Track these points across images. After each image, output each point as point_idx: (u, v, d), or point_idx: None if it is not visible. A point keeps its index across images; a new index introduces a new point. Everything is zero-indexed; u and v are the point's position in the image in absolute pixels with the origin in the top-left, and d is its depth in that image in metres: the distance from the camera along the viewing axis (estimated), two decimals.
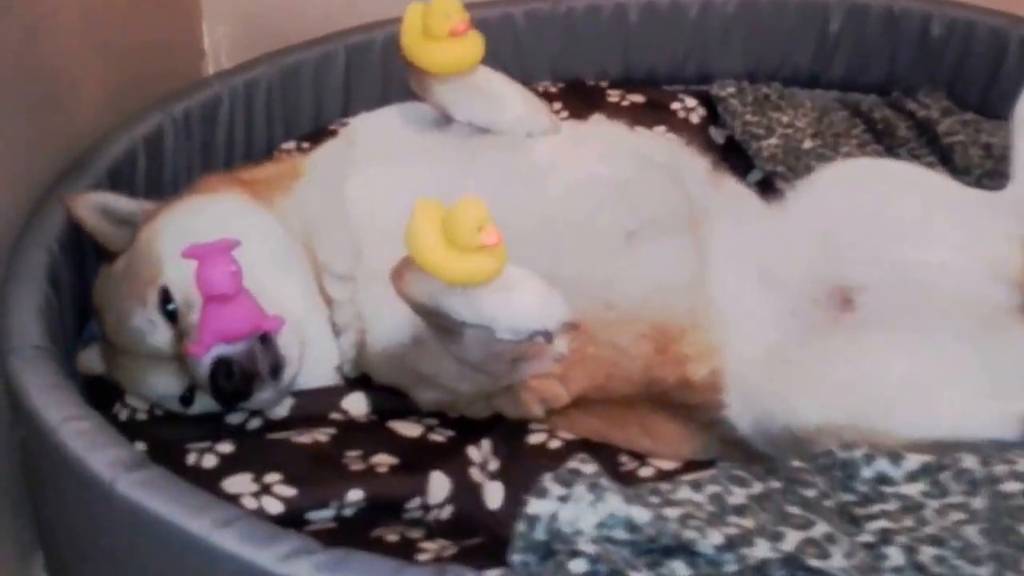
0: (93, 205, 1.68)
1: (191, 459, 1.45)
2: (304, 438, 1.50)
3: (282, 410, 1.56)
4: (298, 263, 1.64)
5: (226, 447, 1.47)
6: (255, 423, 1.54)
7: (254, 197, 1.70)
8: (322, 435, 1.51)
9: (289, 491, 1.38)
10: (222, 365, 1.44)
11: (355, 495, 1.39)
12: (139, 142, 1.88)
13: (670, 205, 1.66)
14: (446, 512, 1.43)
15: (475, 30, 1.65)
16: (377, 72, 2.24)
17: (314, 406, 1.58)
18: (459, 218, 1.26)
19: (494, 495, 1.45)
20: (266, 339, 1.48)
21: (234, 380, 1.44)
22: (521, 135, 1.69)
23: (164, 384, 1.57)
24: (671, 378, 1.59)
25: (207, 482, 1.36)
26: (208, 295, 1.44)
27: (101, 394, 1.61)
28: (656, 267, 1.61)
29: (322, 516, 1.38)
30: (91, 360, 1.66)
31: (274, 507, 1.36)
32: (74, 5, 1.84)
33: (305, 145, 2.14)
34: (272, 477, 1.40)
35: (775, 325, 1.62)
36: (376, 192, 1.64)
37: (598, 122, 1.83)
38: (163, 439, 1.50)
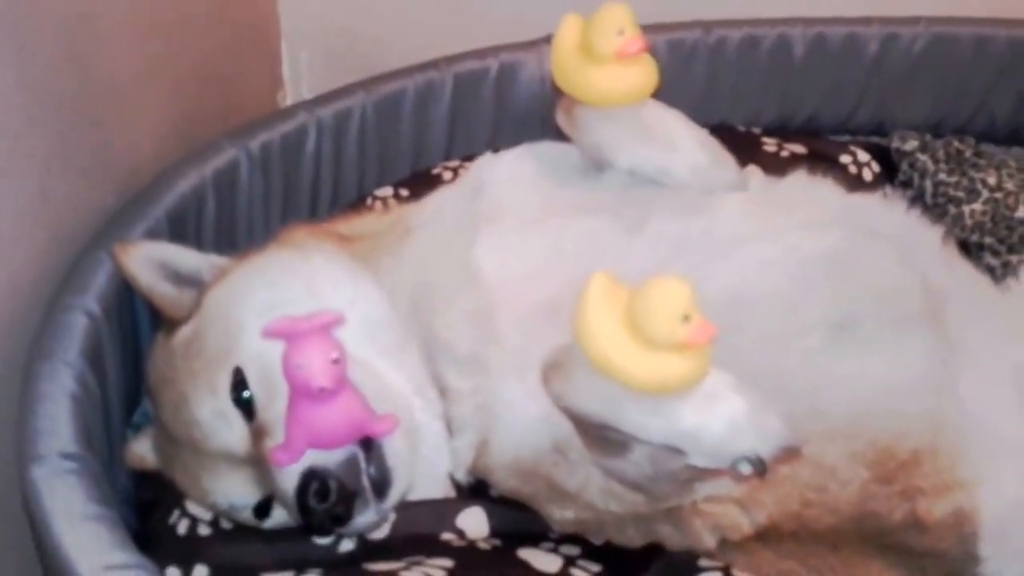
0: (148, 257, 1.38)
1: None
2: (415, 574, 1.18)
3: (381, 529, 1.26)
4: (407, 343, 1.32)
5: None
6: (347, 546, 1.25)
7: (352, 256, 1.38)
8: (437, 570, 1.20)
9: None
10: (314, 480, 1.15)
11: None
12: (208, 180, 1.58)
13: (898, 289, 1.31)
14: None
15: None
16: (488, 106, 1.89)
17: (422, 523, 1.28)
18: (653, 304, 0.99)
19: None
20: (370, 445, 1.20)
21: (329, 501, 1.15)
22: (699, 191, 1.37)
23: (235, 491, 1.28)
24: (895, 515, 1.25)
25: None
26: (299, 389, 1.08)
27: (155, 493, 1.33)
28: (879, 368, 1.27)
29: None
30: (142, 452, 1.39)
31: None
32: (133, 25, 1.60)
33: (404, 192, 1.82)
34: None
35: None
36: (515, 259, 1.35)
37: (798, 178, 1.45)
38: (230, 562, 1.25)
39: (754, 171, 1.56)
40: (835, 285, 1.30)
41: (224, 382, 1.24)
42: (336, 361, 1.11)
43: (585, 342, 1.02)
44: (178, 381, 1.29)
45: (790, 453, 1.06)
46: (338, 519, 1.17)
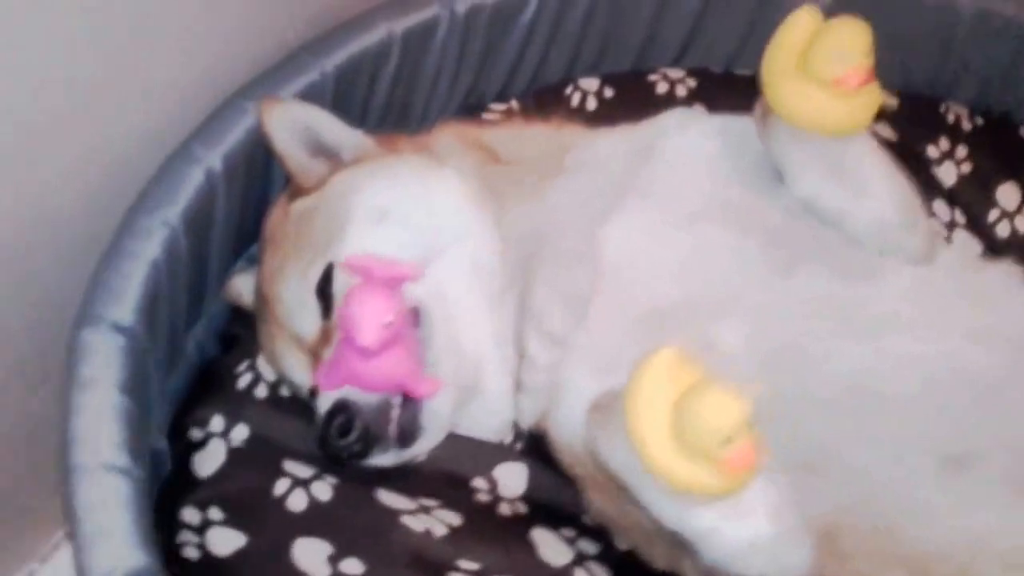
0: (294, 120, 1.31)
1: (279, 488, 1.17)
2: (417, 522, 1.17)
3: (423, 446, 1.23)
4: (505, 295, 1.25)
5: (323, 489, 1.18)
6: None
7: (489, 183, 1.30)
8: (440, 525, 1.18)
9: None
10: (341, 414, 1.15)
11: None
12: (396, 36, 1.45)
13: None
14: None
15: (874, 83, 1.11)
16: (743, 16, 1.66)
17: (460, 461, 1.25)
18: (702, 415, 0.91)
19: None
20: (410, 399, 1.17)
21: (349, 439, 1.15)
22: (873, 249, 1.18)
23: (297, 370, 1.26)
24: None
25: (279, 530, 1.14)
26: (345, 335, 1.09)
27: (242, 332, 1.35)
28: (974, 520, 1.09)
29: None
30: (241, 289, 1.38)
31: None
32: None
33: (608, 92, 1.66)
34: (352, 566, 1.11)
35: None
36: (644, 250, 1.23)
37: (1000, 274, 1.22)
38: (268, 434, 1.25)
39: (962, 244, 1.32)
40: (975, 414, 1.12)
41: (316, 272, 1.22)
42: (388, 324, 1.07)
43: (629, 415, 0.94)
44: (281, 249, 1.28)
45: None
46: (355, 455, 1.16)
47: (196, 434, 1.23)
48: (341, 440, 1.14)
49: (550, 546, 1.20)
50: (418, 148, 1.33)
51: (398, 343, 1.10)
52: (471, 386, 1.23)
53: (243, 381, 1.30)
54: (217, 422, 1.24)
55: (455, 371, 1.19)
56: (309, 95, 1.33)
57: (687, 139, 1.29)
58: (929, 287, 1.18)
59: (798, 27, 1.12)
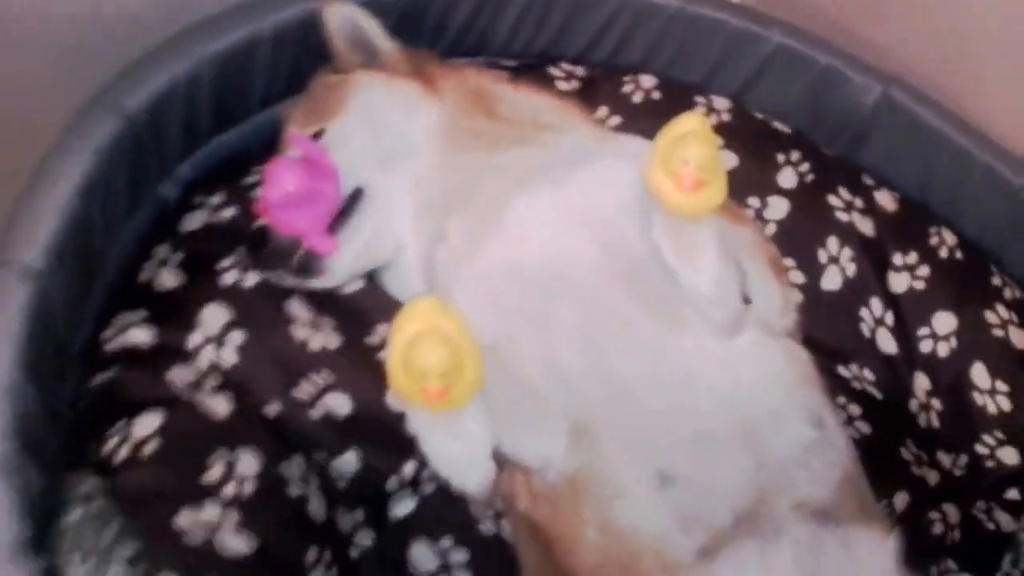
0: (347, 19, 1.64)
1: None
2: (304, 333, 1.46)
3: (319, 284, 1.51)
4: (429, 212, 1.54)
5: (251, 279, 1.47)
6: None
7: (466, 126, 1.58)
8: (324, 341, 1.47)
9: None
10: (263, 233, 1.46)
11: None
12: None
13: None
14: None
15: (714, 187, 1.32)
16: None
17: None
18: (414, 356, 1.24)
19: None
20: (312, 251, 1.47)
21: (261, 251, 1.46)
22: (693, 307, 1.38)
23: None
24: None
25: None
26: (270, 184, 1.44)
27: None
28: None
29: None
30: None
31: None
32: None
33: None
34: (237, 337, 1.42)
35: None
36: (532, 228, 1.46)
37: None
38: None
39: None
40: (690, 449, 1.31)
41: (310, 130, 1.55)
42: (290, 192, 1.40)
43: (392, 333, 1.26)
44: (304, 102, 1.64)
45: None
46: (261, 265, 1.46)
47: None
48: (252, 251, 1.46)
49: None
50: (435, 76, 1.62)
51: (305, 207, 1.43)
52: (379, 260, 1.53)
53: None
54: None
55: (364, 245, 1.50)
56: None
57: (623, 163, 1.47)
58: (710, 353, 1.37)
59: (682, 123, 1.34)
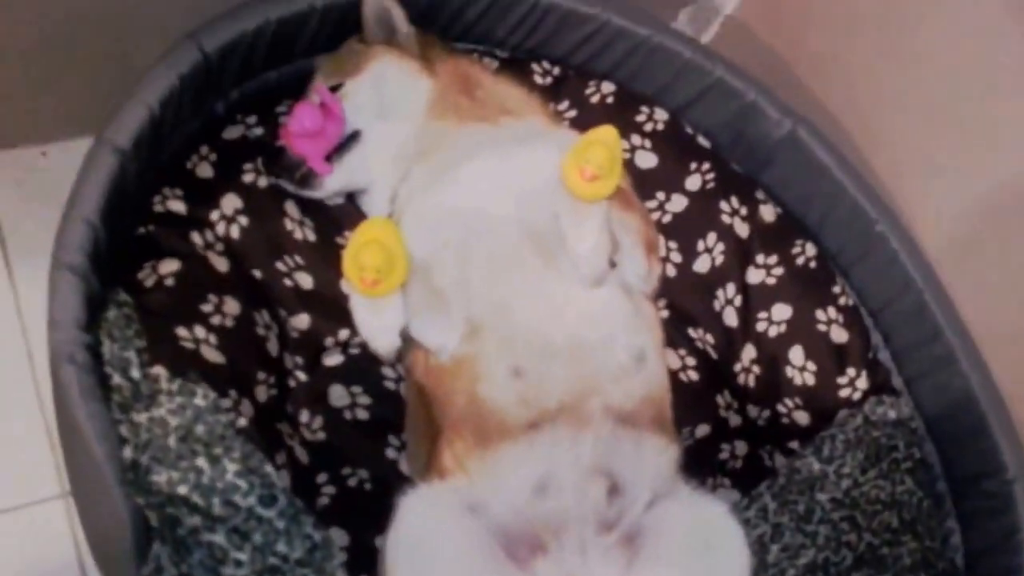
0: (381, 3, 2.07)
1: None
2: (291, 280, 1.99)
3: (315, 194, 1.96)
4: (404, 159, 2.00)
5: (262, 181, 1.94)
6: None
7: (448, 102, 2.03)
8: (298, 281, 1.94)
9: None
10: (280, 151, 1.92)
11: None
12: None
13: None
14: None
15: (606, 182, 1.78)
16: None
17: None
18: (365, 254, 1.76)
19: None
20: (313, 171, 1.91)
21: (275, 163, 1.93)
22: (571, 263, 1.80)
23: None
24: None
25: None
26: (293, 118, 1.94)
27: None
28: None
29: None
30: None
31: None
32: None
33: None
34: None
35: None
36: (476, 187, 1.85)
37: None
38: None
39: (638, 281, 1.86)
40: (550, 365, 1.70)
41: (332, 83, 1.93)
42: (304, 127, 1.88)
43: (353, 237, 1.80)
44: (333, 58, 2.03)
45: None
46: (272, 173, 1.91)
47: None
48: (270, 160, 1.90)
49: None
50: (435, 60, 2.03)
51: (313, 140, 1.89)
52: (359, 185, 1.96)
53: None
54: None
55: (350, 173, 1.96)
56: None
57: (553, 150, 1.82)
58: (574, 295, 1.75)
59: (598, 132, 1.82)
